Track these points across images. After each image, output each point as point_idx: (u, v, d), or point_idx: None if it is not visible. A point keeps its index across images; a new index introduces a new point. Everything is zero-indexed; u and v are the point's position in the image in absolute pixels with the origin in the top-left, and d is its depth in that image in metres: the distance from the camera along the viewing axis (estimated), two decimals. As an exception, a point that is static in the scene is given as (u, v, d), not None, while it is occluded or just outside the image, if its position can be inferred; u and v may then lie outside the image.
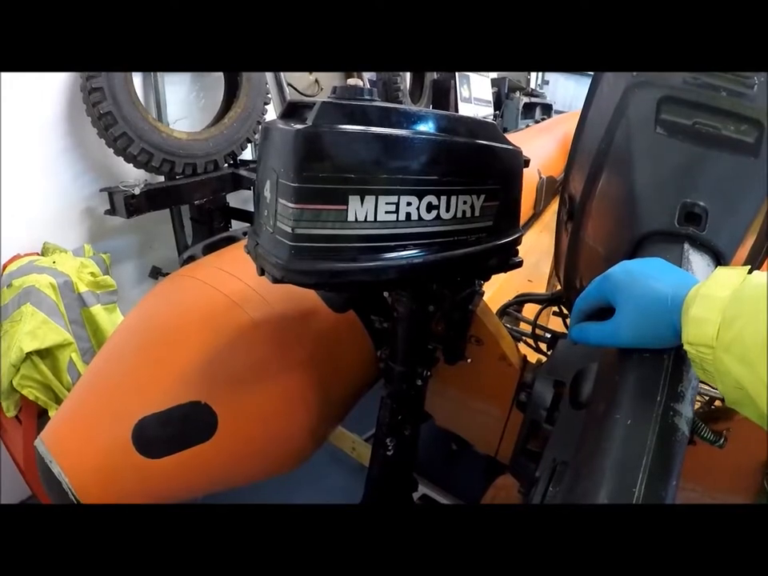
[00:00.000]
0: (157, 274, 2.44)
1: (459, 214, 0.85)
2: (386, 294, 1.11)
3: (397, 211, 0.78)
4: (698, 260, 0.77)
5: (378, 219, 0.77)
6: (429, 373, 1.14)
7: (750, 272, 0.60)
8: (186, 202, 2.33)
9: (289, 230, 0.74)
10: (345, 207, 0.74)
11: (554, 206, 2.91)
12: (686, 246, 0.78)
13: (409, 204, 0.79)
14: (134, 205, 2.09)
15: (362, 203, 0.75)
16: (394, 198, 0.77)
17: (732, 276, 0.61)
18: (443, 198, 0.82)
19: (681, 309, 0.63)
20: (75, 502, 0.94)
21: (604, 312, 0.73)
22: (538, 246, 2.43)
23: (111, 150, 2.08)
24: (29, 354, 1.75)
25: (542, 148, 3.20)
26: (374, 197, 0.76)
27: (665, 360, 0.68)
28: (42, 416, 1.92)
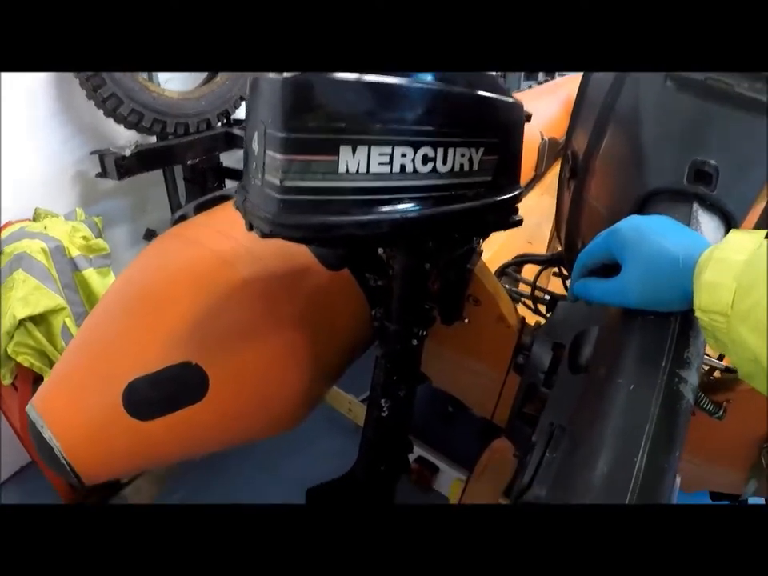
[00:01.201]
0: (151, 236, 2.41)
1: (457, 168, 0.82)
2: (380, 250, 1.09)
3: (391, 163, 0.75)
4: (707, 221, 0.74)
5: (370, 171, 0.74)
6: (425, 333, 1.13)
7: (767, 236, 0.57)
8: (179, 162, 2.30)
9: (277, 182, 0.72)
10: (336, 158, 0.72)
11: (556, 169, 2.88)
12: (695, 206, 0.75)
13: (403, 155, 0.76)
14: (125, 166, 2.04)
15: (353, 154, 0.72)
16: (388, 149, 0.74)
17: (747, 240, 0.57)
18: (440, 150, 0.79)
19: (692, 272, 0.60)
20: (67, 466, 0.93)
21: (608, 269, 0.71)
22: (538, 207, 2.41)
23: (101, 112, 2.03)
24: (22, 321, 1.73)
25: (544, 109, 3.15)
26: (366, 147, 0.73)
27: (671, 324, 0.65)
28: (37, 382, 1.90)
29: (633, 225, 0.68)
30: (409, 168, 0.77)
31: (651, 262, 0.64)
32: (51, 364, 1.83)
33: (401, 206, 0.78)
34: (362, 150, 0.73)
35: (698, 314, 0.59)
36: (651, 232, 0.66)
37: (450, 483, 2.20)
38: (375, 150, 0.73)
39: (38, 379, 1.89)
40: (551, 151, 2.86)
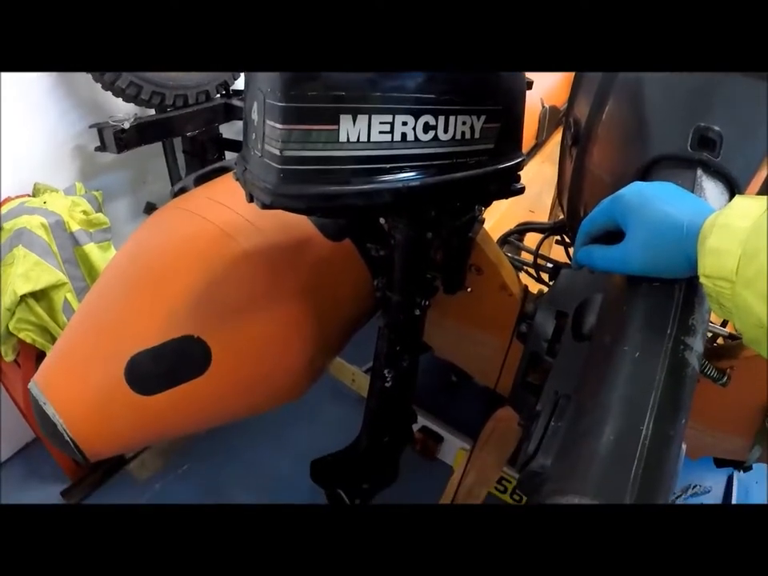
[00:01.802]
0: (151, 209, 2.40)
1: (458, 136, 0.81)
2: (382, 220, 1.08)
3: (392, 131, 0.75)
4: (711, 187, 0.74)
5: (371, 140, 0.74)
6: (427, 302, 1.12)
7: None
8: (178, 134, 2.27)
9: (277, 152, 0.72)
10: (336, 127, 0.71)
11: (557, 137, 2.86)
12: (699, 172, 0.75)
13: (404, 124, 0.75)
14: (124, 140, 2.02)
15: (354, 123, 0.72)
16: (389, 118, 0.74)
17: (752, 205, 0.57)
18: (441, 118, 0.78)
19: (696, 238, 0.59)
20: (71, 443, 0.93)
21: (612, 236, 0.70)
22: (540, 176, 2.39)
23: (99, 85, 2.00)
24: (23, 297, 1.73)
25: (545, 76, 3.11)
26: (367, 116, 0.72)
27: (676, 291, 0.65)
28: (40, 358, 1.91)
29: (636, 191, 0.67)
30: (410, 136, 0.76)
31: (655, 229, 0.63)
32: (53, 340, 1.84)
33: (402, 175, 0.78)
34: (362, 119, 0.72)
35: (702, 280, 0.59)
36: (655, 198, 0.65)
37: (454, 452, 2.22)
38: (376, 118, 0.73)
39: (40, 355, 1.90)
40: (552, 119, 2.83)
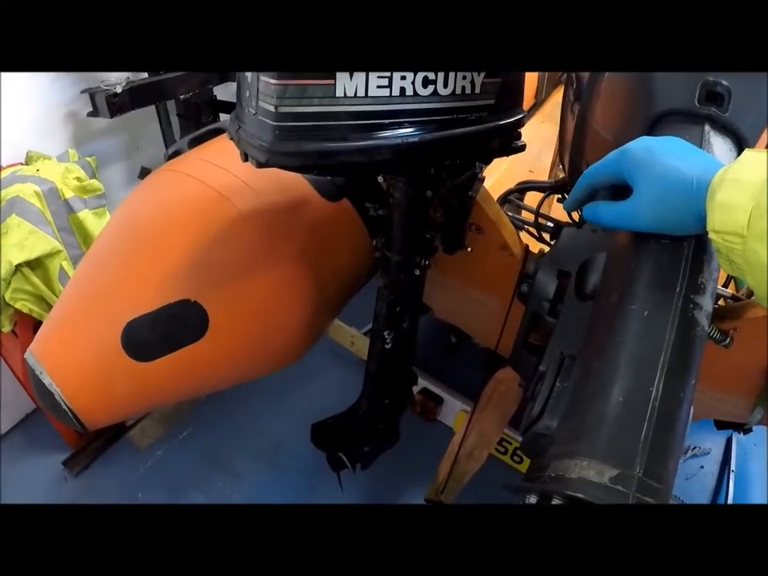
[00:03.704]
0: (146, 174, 2.35)
1: (458, 90, 0.80)
2: (380, 179, 1.07)
3: (390, 86, 0.73)
4: (719, 143, 0.72)
5: (369, 94, 0.72)
6: (427, 262, 1.12)
7: None
8: (171, 97, 2.23)
9: (272, 108, 0.70)
10: (333, 82, 0.70)
11: (556, 96, 2.83)
12: (707, 127, 0.73)
13: (403, 78, 0.74)
14: (116, 104, 1.99)
15: (351, 77, 0.70)
16: (387, 72, 0.72)
17: (761, 159, 0.56)
18: (440, 72, 0.76)
19: (705, 193, 0.58)
20: (69, 412, 0.92)
21: (616, 191, 0.69)
22: (539, 136, 2.37)
23: (90, 49, 1.97)
24: (18, 266, 1.72)
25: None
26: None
27: (684, 248, 0.64)
28: (37, 328, 1.90)
29: (644, 145, 0.66)
30: (409, 91, 0.75)
31: (664, 184, 0.62)
32: (50, 309, 1.82)
33: (401, 131, 0.76)
34: (359, 73, 0.70)
35: (711, 235, 0.58)
36: (664, 153, 0.64)
37: (454, 414, 2.22)
38: (373, 72, 0.71)
39: (37, 325, 1.87)
40: (551, 78, 2.82)
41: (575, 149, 1.06)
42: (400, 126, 0.76)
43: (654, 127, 0.78)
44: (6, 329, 1.87)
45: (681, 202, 0.61)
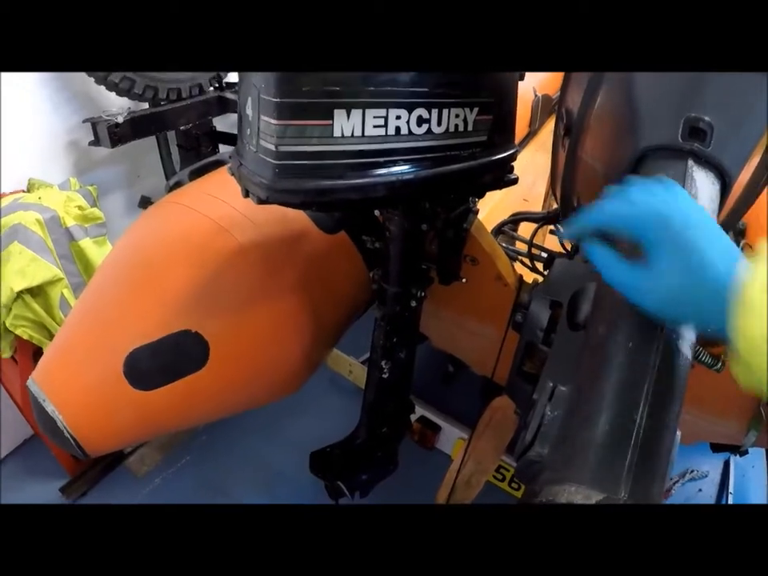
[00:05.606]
0: (146, 203, 2.39)
1: (452, 128, 0.82)
2: (377, 213, 1.09)
3: (386, 125, 0.75)
4: (702, 177, 0.74)
5: (365, 134, 0.74)
6: (423, 293, 1.13)
7: None
8: (172, 127, 2.27)
9: (272, 147, 0.72)
10: (330, 122, 0.72)
11: (549, 125, 2.85)
12: (690, 162, 0.74)
13: (398, 117, 0.76)
14: (118, 134, 2.02)
15: (348, 117, 0.73)
16: (383, 112, 0.75)
17: None
18: (434, 111, 0.79)
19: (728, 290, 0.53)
20: (71, 439, 0.93)
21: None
22: (533, 165, 2.39)
23: (92, 79, 2.00)
24: (20, 293, 1.73)
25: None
26: (360, 110, 0.73)
27: None
28: (37, 355, 1.91)
29: (656, 214, 0.59)
30: (404, 130, 0.77)
31: (692, 274, 0.56)
32: (51, 336, 1.83)
33: (396, 169, 0.78)
34: (356, 114, 0.72)
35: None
36: (683, 228, 0.57)
37: (452, 442, 2.23)
38: (370, 112, 0.73)
39: (37, 352, 1.89)
40: (545, 108, 2.83)
41: (566, 181, 1.08)
42: (395, 163, 0.78)
43: (640, 162, 0.80)
44: (6, 354, 1.88)
45: (708, 300, 0.56)
